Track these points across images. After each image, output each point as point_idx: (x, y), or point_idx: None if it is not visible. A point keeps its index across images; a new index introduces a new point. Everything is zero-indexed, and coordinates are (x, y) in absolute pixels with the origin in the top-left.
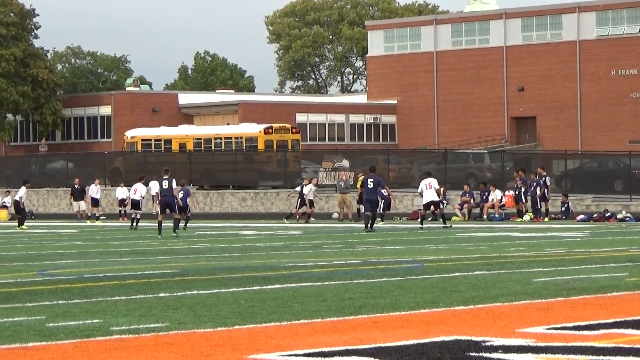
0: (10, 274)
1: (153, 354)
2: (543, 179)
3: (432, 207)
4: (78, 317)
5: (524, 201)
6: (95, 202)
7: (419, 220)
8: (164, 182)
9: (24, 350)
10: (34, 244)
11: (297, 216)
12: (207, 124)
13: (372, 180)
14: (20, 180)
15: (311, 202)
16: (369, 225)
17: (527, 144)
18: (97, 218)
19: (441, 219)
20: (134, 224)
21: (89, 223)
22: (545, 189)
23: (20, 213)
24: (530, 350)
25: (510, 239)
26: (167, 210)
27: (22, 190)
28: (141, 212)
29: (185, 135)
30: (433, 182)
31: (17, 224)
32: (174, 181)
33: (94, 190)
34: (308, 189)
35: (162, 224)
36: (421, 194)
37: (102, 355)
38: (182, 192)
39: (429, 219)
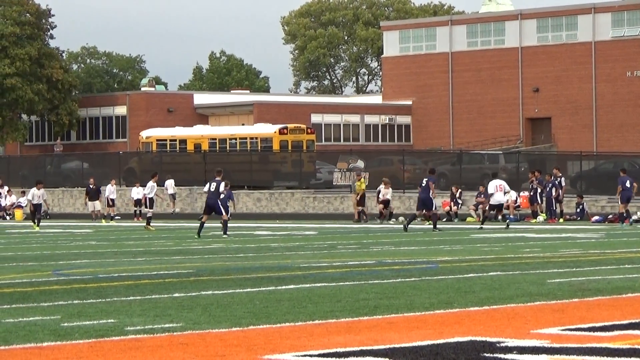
0: (25, 274)
1: (168, 354)
2: (558, 179)
3: (495, 210)
4: (93, 317)
5: (539, 202)
6: (110, 202)
7: (481, 220)
8: (212, 183)
9: (39, 349)
10: (49, 243)
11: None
12: (222, 124)
13: (426, 180)
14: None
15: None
16: (407, 224)
17: (542, 145)
18: (112, 218)
19: (503, 221)
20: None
21: (104, 223)
22: (560, 190)
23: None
24: (545, 352)
25: (525, 239)
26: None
27: (31, 192)
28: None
29: (200, 135)
30: (503, 184)
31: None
32: (222, 184)
33: (110, 190)
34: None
35: (204, 226)
36: (490, 195)
37: (116, 355)
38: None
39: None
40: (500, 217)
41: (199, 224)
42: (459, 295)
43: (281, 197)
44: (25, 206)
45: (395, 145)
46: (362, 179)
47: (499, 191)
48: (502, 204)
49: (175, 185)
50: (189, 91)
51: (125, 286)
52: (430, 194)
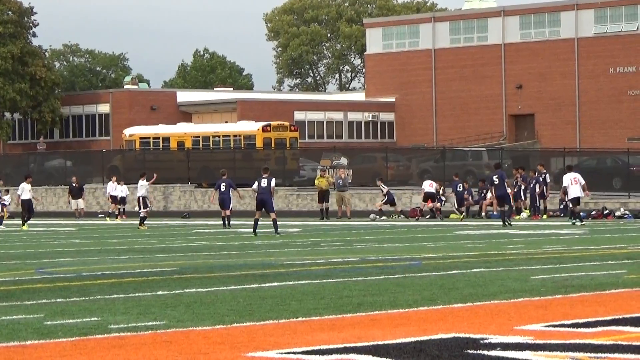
0: (8, 272)
1: (151, 351)
2: (542, 176)
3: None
4: (76, 315)
5: (523, 199)
6: (115, 200)
7: (570, 216)
8: (263, 180)
9: (22, 348)
10: (32, 242)
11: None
12: (206, 121)
13: (497, 176)
14: (18, 178)
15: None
16: (506, 221)
17: (525, 142)
18: (116, 216)
19: (575, 216)
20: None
21: (109, 221)
22: (545, 186)
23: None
24: (528, 348)
25: (508, 236)
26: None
27: (21, 187)
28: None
29: (184, 133)
30: (578, 177)
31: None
32: (273, 180)
33: (111, 187)
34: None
35: (258, 223)
36: (566, 190)
37: (100, 353)
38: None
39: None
40: (574, 212)
41: (253, 222)
42: (442, 292)
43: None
44: (9, 204)
45: (379, 143)
46: (326, 176)
47: (574, 184)
48: (579, 198)
49: (158, 183)
50: (173, 89)
51: (108, 284)
52: (507, 189)
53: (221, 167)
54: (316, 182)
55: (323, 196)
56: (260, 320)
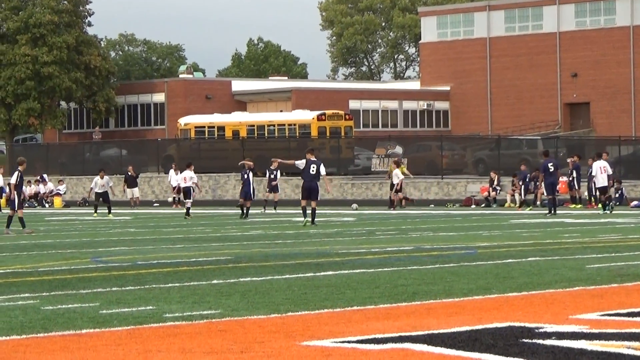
0: (64, 261)
1: (206, 340)
2: None
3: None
4: (131, 304)
5: (577, 187)
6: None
7: (602, 206)
8: (312, 166)
9: (78, 337)
10: (87, 231)
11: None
12: (261, 110)
13: (551, 164)
14: (74, 167)
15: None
16: (552, 209)
17: (580, 130)
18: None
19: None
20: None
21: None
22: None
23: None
24: (583, 337)
25: (563, 225)
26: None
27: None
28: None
29: (239, 122)
30: (607, 166)
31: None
32: (322, 167)
33: (176, 177)
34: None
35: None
36: (592, 177)
37: (155, 342)
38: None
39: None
40: (605, 201)
41: (301, 211)
42: (497, 280)
43: (319, 183)
44: (64, 193)
45: (434, 131)
46: (402, 166)
47: (602, 173)
48: (607, 187)
49: (212, 172)
50: (227, 78)
51: (163, 273)
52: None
53: (276, 156)
54: (395, 170)
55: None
56: (315, 309)
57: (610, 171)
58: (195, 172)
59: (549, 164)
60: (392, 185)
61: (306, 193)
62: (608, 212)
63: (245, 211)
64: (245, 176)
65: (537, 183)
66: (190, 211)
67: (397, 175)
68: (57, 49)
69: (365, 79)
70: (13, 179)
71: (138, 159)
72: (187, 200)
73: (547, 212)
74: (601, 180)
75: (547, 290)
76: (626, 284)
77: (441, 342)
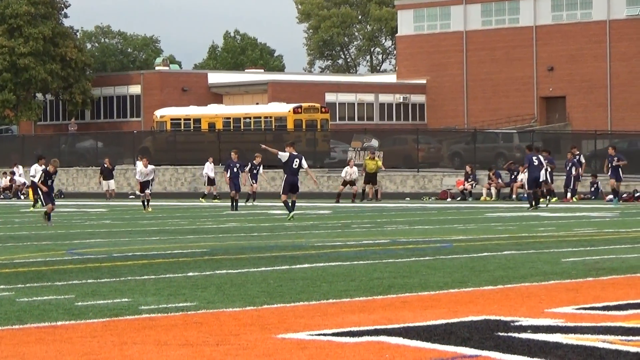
0: (39, 253)
1: (182, 333)
2: (577, 157)
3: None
4: (107, 296)
5: (551, 181)
6: (211, 181)
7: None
8: (294, 161)
9: (53, 328)
10: (63, 223)
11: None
12: (237, 103)
13: (536, 157)
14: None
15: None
16: (533, 203)
17: (556, 124)
18: (215, 197)
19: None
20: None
21: (203, 202)
22: (580, 168)
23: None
24: (559, 331)
25: (539, 218)
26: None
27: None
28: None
29: (215, 114)
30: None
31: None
32: (304, 161)
33: (209, 168)
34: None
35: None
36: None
37: (130, 334)
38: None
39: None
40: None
41: (284, 205)
42: (473, 274)
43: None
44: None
45: (410, 124)
46: (376, 159)
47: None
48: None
49: (188, 165)
50: (204, 70)
51: (139, 265)
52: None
53: (251, 149)
54: (366, 163)
55: (370, 178)
56: (291, 301)
57: (544, 165)
58: (170, 165)
59: (533, 158)
60: (366, 178)
61: (289, 187)
62: (544, 206)
63: (234, 203)
64: (235, 169)
65: (514, 176)
66: (150, 202)
67: (353, 171)
68: (33, 40)
69: (341, 72)
70: (37, 177)
71: (114, 151)
72: (146, 192)
73: (528, 205)
74: (538, 174)
75: (522, 283)
76: (601, 277)
77: (417, 335)
